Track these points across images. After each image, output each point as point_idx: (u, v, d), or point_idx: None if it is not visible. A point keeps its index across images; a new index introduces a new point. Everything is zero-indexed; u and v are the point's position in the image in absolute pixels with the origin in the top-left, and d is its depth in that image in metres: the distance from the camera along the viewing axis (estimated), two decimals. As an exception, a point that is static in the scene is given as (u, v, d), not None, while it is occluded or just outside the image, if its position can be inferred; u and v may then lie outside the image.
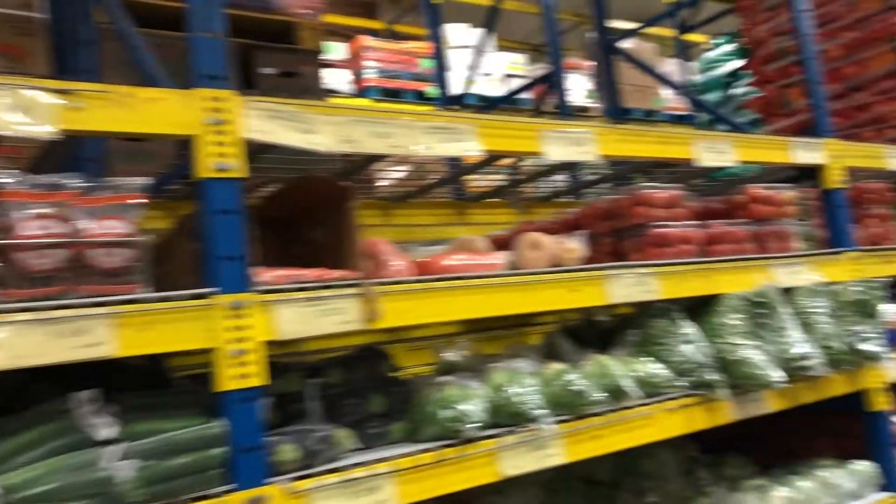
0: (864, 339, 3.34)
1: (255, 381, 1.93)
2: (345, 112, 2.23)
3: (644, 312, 2.95)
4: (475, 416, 2.27)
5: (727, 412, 2.91)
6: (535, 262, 2.62)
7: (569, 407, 2.51)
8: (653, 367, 2.79)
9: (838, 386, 3.36)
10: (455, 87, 5.98)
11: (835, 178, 3.65)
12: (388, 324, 2.14)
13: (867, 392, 3.51)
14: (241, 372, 1.91)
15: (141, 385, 2.04)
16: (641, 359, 2.83)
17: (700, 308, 3.14)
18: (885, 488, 3.45)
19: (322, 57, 4.03)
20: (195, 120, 1.98)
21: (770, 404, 3.07)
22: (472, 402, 2.31)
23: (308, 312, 2.02)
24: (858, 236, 4.24)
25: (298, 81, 3.75)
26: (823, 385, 3.30)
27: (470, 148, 2.44)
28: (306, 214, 2.56)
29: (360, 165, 3.09)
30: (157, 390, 2.04)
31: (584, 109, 8.87)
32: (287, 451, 1.99)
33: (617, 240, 3.05)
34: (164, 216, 2.83)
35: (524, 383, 2.43)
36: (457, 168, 3.81)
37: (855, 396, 3.53)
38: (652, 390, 2.76)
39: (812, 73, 3.90)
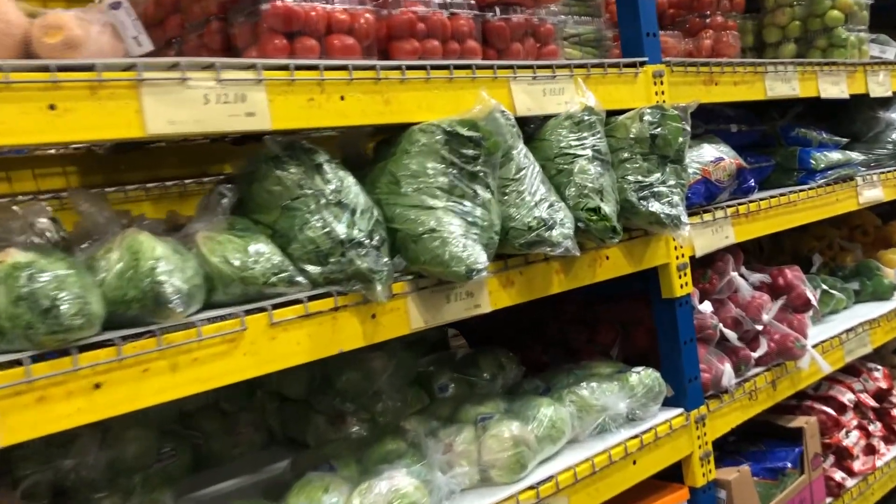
0: (657, 196, 2.23)
1: None
2: None
3: (264, 155, 1.71)
4: None
5: (396, 321, 1.77)
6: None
7: (25, 337, 1.29)
8: (255, 249, 1.59)
9: (613, 265, 2.28)
10: None
11: (638, -48, 2.41)
12: None
13: (660, 271, 2.45)
14: None
15: None
16: (244, 234, 1.62)
17: (379, 149, 1.94)
18: (673, 402, 2.46)
19: None
20: None
21: (486, 299, 1.95)
22: None
23: None
24: (688, 50, 3.09)
25: None
26: (586, 265, 2.20)
27: None
28: None
29: None
30: None
31: None
32: None
33: (227, 26, 1.76)
34: None
35: None
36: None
37: (649, 275, 2.47)
38: (248, 290, 1.57)
39: None
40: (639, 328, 2.68)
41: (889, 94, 3.49)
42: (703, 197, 2.57)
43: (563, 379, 2.43)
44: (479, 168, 1.83)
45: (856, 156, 3.35)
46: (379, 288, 1.64)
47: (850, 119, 3.69)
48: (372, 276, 1.64)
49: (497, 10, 2.04)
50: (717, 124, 3.01)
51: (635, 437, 2.27)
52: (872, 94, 3.38)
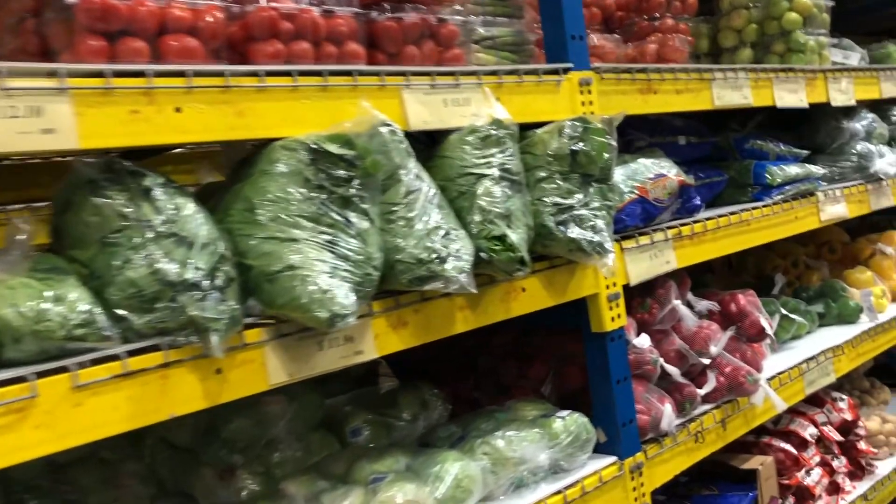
0: (578, 221, 1.96)
1: None
2: None
3: (78, 179, 1.43)
4: None
5: (250, 376, 1.49)
6: None
7: None
8: (56, 295, 1.30)
9: (531, 298, 2.00)
10: None
11: (562, -54, 2.14)
12: None
13: (589, 303, 2.18)
14: None
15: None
16: (47, 276, 1.34)
17: (238, 170, 1.65)
18: (606, 449, 2.19)
19: None
20: None
21: (370, 344, 1.67)
22: None
23: None
24: (630, 55, 2.85)
25: None
26: (498, 299, 1.93)
27: None
28: None
29: None
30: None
31: None
32: None
33: (42, 26, 1.47)
34: None
35: None
36: None
37: (578, 306, 2.20)
38: (45, 345, 1.29)
39: None
40: (571, 364, 2.41)
41: (852, 102, 3.25)
42: (639, 218, 2.30)
43: (482, 424, 2.16)
44: (353, 192, 1.55)
45: (816, 169, 3.10)
46: (214, 339, 1.36)
47: (812, 130, 3.45)
48: (207, 324, 1.36)
49: (387, 8, 1.76)
50: (662, 136, 2.76)
51: (558, 492, 2.00)
52: (834, 103, 3.14)
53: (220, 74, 1.48)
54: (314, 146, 1.52)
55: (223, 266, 1.44)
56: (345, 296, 1.46)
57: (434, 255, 1.64)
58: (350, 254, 1.52)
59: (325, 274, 1.46)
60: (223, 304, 1.40)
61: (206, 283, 1.39)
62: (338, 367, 1.61)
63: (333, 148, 1.53)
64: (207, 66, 1.47)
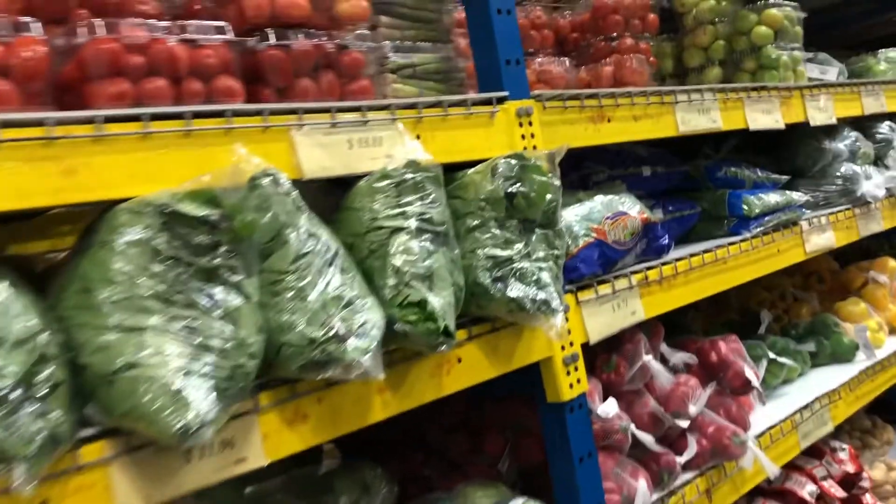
0: (519, 276, 1.65)
1: None
2: None
3: None
4: None
5: (85, 507, 1.16)
6: None
7: None
8: None
9: (469, 369, 1.68)
10: None
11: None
12: None
13: (542, 368, 1.87)
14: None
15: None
16: None
17: (81, 240, 1.34)
18: (571, 541, 1.86)
19: None
20: None
21: (258, 448, 1.35)
22: None
23: None
24: (584, 80, 2.57)
25: None
26: (427, 374, 1.61)
27: None
28: None
29: None
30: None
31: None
32: None
33: None
34: None
35: None
36: None
37: (531, 371, 1.89)
38: None
39: None
40: (530, 435, 2.09)
41: (833, 120, 2.97)
42: (597, 265, 1.99)
43: (424, 515, 1.84)
44: (219, 262, 1.24)
45: (798, 196, 2.81)
46: (19, 471, 1.03)
47: (792, 152, 3.17)
48: (11, 451, 1.04)
49: (270, 35, 1.46)
50: (624, 168, 2.46)
51: None
52: (813, 122, 2.86)
53: (39, 123, 1.17)
54: (165, 208, 1.21)
55: (45, 368, 1.12)
56: (203, 398, 1.14)
57: (331, 333, 1.33)
58: (214, 341, 1.20)
59: (177, 371, 1.14)
60: (40, 420, 1.08)
61: (16, 393, 1.07)
62: (213, 481, 1.28)
63: (191, 208, 1.22)
64: (20, 115, 1.16)
